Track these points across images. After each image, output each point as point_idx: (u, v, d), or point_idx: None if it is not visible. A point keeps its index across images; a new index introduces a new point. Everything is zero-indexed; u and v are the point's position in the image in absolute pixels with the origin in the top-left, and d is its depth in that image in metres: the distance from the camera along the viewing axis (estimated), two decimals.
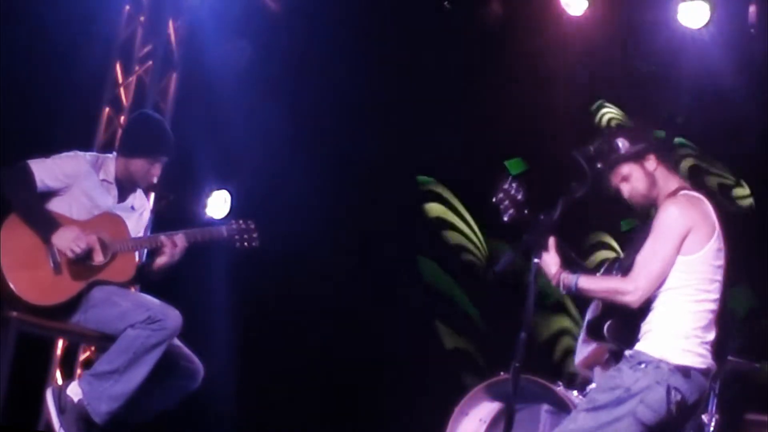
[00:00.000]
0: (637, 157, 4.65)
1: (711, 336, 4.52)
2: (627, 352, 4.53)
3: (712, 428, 6.17)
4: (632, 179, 4.68)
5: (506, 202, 4.72)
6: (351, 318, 8.15)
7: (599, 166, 4.66)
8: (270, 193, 7.83)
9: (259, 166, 7.94)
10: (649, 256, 4.49)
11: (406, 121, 8.27)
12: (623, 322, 4.61)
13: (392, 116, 8.22)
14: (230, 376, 7.72)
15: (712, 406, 6.19)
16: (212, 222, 7.69)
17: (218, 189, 7.91)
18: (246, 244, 5.96)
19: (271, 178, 7.94)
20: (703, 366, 4.47)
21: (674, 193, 4.62)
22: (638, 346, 4.52)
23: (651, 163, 4.66)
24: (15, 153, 5.88)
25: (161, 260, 5.79)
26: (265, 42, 7.97)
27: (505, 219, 4.74)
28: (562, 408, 6.06)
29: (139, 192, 6.01)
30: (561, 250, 4.67)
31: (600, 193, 4.72)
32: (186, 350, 5.80)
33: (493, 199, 4.76)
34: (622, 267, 4.66)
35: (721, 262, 4.57)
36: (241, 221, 5.99)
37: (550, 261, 4.67)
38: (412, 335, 8.21)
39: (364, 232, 8.24)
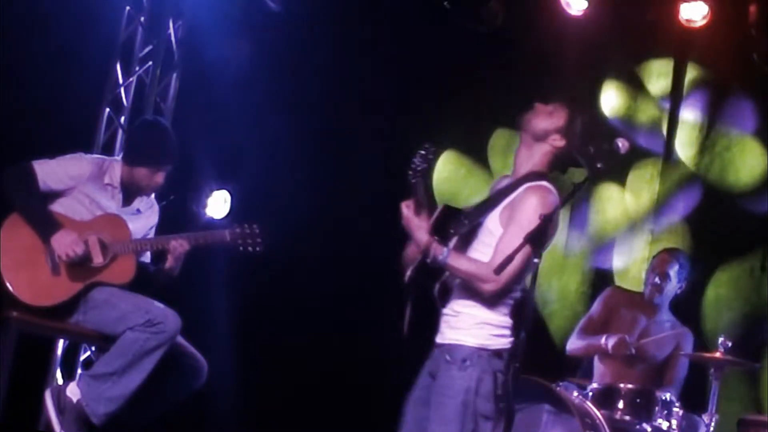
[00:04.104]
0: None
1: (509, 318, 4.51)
2: (444, 352, 4.55)
3: (712, 428, 6.16)
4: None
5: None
6: (351, 318, 8.13)
7: (599, 166, 4.62)
8: (270, 193, 7.82)
9: (259, 166, 7.93)
10: (514, 248, 4.32)
11: (407, 121, 8.26)
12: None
13: (393, 116, 8.21)
14: (231, 378, 7.71)
15: (713, 406, 6.18)
16: (213, 222, 7.68)
17: (218, 189, 7.90)
18: (249, 248, 5.94)
19: (271, 178, 7.93)
20: (509, 346, 4.47)
21: (539, 176, 4.54)
22: (452, 337, 4.54)
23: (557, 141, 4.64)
24: (15, 153, 5.90)
25: (167, 264, 5.79)
26: (265, 42, 7.96)
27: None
28: (562, 408, 6.06)
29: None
30: (446, 220, 4.52)
31: None
32: (190, 348, 5.80)
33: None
34: (463, 234, 4.50)
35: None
36: (245, 225, 5.96)
37: (418, 224, 4.48)
38: (413, 336, 8.19)
39: (365, 233, 8.22)
